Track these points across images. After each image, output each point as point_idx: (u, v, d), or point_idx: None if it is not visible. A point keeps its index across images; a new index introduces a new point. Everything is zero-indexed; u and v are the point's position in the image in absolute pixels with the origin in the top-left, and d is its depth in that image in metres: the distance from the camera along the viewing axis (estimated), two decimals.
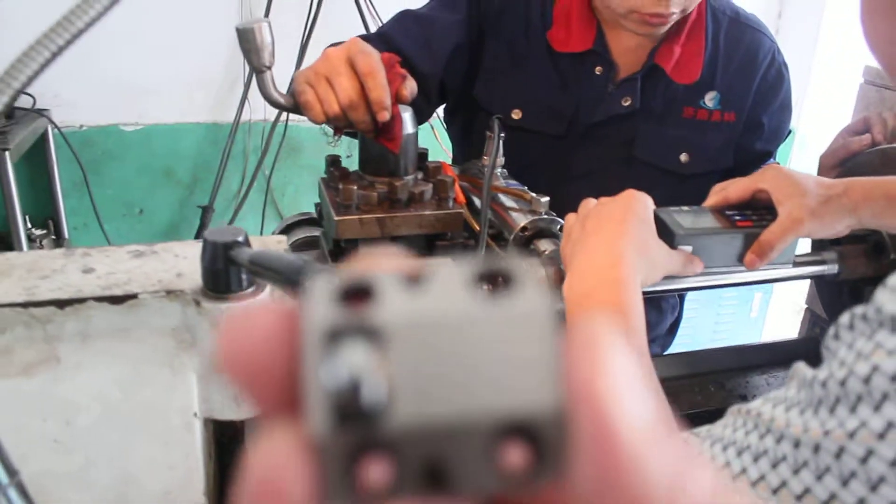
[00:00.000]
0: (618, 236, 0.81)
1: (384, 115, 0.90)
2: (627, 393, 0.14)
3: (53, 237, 2.55)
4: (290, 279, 0.57)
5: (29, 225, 2.41)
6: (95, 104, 2.50)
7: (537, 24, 1.25)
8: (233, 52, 2.58)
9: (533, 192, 1.23)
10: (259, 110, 2.64)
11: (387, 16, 1.31)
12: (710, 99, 1.26)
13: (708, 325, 2.82)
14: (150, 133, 2.59)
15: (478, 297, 0.15)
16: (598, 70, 1.24)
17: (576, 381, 0.14)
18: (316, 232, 1.34)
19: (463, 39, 1.25)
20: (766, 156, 1.33)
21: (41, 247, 2.44)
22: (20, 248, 2.21)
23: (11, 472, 0.49)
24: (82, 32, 0.45)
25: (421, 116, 1.20)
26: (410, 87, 0.94)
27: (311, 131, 2.77)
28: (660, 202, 1.29)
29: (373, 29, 2.53)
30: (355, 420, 0.14)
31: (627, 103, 1.24)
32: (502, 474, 0.15)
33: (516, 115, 1.27)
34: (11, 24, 1.97)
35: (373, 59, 0.90)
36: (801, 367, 0.53)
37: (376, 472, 0.15)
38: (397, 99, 0.92)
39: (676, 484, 0.14)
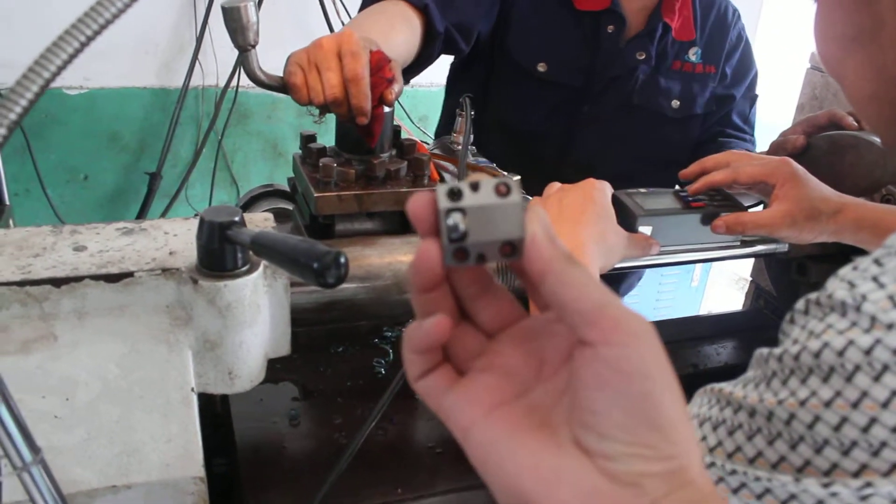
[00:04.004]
0: (578, 226, 0.86)
1: (362, 121, 0.92)
2: (541, 228, 0.38)
3: None
4: (295, 261, 0.59)
5: None
6: None
7: None
8: (181, 15, 2.52)
9: (550, 138, 1.44)
10: (209, 75, 2.59)
11: None
12: (693, 53, 1.43)
13: (651, 295, 2.92)
14: (94, 97, 2.52)
15: (496, 194, 0.37)
16: (609, 28, 1.37)
17: (528, 224, 0.38)
18: (282, 204, 1.35)
19: None
20: (729, 98, 1.49)
21: None
22: None
23: (35, 450, 0.51)
24: (110, 23, 0.46)
25: (455, 51, 1.36)
26: (396, 90, 0.95)
27: (259, 97, 2.73)
28: (653, 142, 1.45)
29: None
30: (455, 239, 0.37)
31: (642, 57, 1.39)
32: (503, 256, 0.38)
33: (542, 67, 1.40)
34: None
35: (359, 65, 0.90)
36: (758, 350, 0.58)
37: (461, 255, 0.38)
38: (381, 101, 0.93)
39: (557, 249, 0.38)
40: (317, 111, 0.97)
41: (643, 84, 1.41)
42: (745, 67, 1.50)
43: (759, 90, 1.53)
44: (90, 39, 0.46)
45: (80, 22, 0.45)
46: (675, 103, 1.43)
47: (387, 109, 0.96)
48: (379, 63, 0.93)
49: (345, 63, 0.90)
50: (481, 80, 1.48)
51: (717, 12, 1.45)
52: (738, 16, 1.49)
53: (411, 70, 1.24)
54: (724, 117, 1.50)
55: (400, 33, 1.14)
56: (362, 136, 0.96)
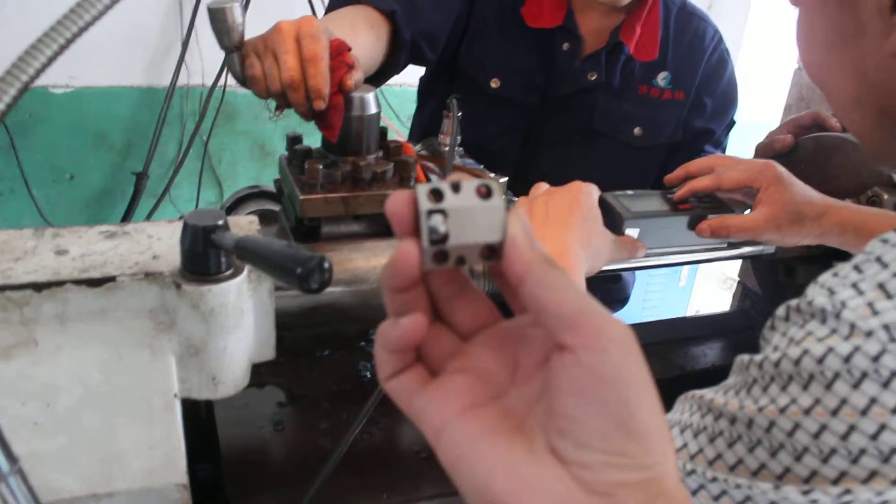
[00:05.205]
0: (564, 229, 0.85)
1: (319, 105, 0.90)
2: (521, 231, 0.37)
3: None
4: (279, 266, 0.59)
5: None
6: None
7: None
8: (169, 13, 2.50)
9: (506, 157, 1.36)
10: (196, 74, 2.58)
11: None
12: (662, 78, 1.36)
13: (638, 294, 2.92)
14: (80, 96, 2.50)
15: (477, 196, 0.37)
16: (564, 46, 1.33)
17: (508, 228, 0.37)
18: (267, 205, 1.34)
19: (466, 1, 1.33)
20: (707, 133, 1.42)
21: None
22: None
23: (12, 460, 0.50)
24: (93, 22, 0.45)
25: (423, 61, 1.33)
26: (356, 77, 0.93)
27: (247, 97, 2.70)
28: (614, 170, 1.39)
29: None
30: (436, 241, 0.37)
31: (594, 77, 1.33)
32: (483, 258, 0.38)
33: (495, 83, 1.36)
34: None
35: (318, 46, 0.89)
36: (739, 357, 0.58)
37: (440, 257, 0.37)
38: (340, 88, 0.92)
39: (536, 251, 0.37)
40: (273, 107, 0.95)
41: (604, 108, 1.36)
42: (729, 100, 1.44)
43: (746, 90, 1.49)
44: (70, 41, 0.45)
45: (61, 23, 0.45)
46: (638, 130, 1.37)
47: (368, 97, 0.94)
48: (339, 48, 0.91)
49: (304, 45, 0.88)
50: (444, 94, 1.44)
51: (693, 35, 1.38)
52: (720, 38, 1.41)
53: (376, 78, 1.21)
54: (697, 149, 1.43)
55: (363, 38, 1.11)
56: (321, 129, 0.94)
